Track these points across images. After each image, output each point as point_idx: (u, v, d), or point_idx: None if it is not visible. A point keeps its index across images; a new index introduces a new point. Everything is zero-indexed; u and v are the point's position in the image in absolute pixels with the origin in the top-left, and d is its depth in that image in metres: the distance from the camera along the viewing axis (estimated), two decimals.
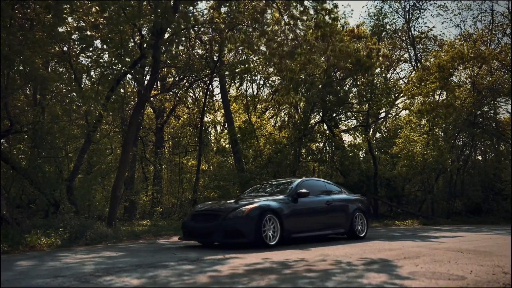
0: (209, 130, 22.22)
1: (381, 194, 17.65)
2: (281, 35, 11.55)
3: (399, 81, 22.90)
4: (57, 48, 11.50)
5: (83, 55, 12.00)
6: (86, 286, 3.53)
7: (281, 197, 7.32)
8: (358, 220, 8.32)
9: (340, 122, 19.88)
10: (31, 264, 5.02)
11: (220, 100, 19.50)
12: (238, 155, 15.81)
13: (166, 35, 11.03)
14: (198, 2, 14.55)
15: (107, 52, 10.93)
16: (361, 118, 19.38)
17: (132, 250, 6.49)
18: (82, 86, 12.43)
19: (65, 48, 11.77)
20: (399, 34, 23.06)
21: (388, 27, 22.53)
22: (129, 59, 10.34)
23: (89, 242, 7.74)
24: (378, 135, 22.34)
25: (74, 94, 11.87)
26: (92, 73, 12.34)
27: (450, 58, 16.08)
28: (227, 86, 19.26)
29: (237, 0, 11.56)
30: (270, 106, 22.07)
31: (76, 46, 11.76)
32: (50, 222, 8.68)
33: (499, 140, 19.52)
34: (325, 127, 18.51)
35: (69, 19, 10.62)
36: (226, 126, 20.01)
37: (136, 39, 11.53)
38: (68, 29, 10.63)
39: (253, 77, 19.62)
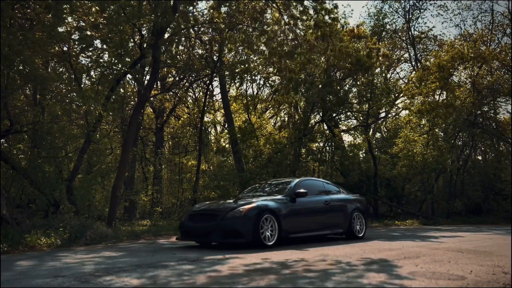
0: (209, 130, 22.23)
1: (381, 194, 17.65)
2: (281, 35, 11.55)
3: (399, 81, 22.93)
4: (57, 48, 11.50)
5: (83, 55, 12.01)
6: (86, 286, 3.53)
7: (279, 197, 7.29)
8: (356, 220, 8.29)
9: (340, 122, 19.88)
10: (31, 264, 5.02)
11: (220, 100, 19.50)
12: (238, 155, 15.81)
13: (166, 35, 11.03)
14: (198, 2, 14.55)
15: (107, 52, 10.93)
16: (361, 118, 19.37)
17: (132, 250, 6.49)
18: (82, 86, 12.43)
19: (65, 48, 11.77)
20: (399, 34, 23.06)
21: (388, 27, 22.56)
22: (129, 59, 10.34)
23: (89, 242, 7.74)
24: (378, 135, 22.35)
25: (74, 94, 11.87)
26: (92, 73, 12.35)
27: (450, 58, 16.09)
28: (227, 86, 19.26)
29: (237, 0, 11.55)
30: (270, 106, 22.07)
31: (76, 46, 11.76)
32: (50, 222, 8.68)
33: (499, 140, 19.52)
34: (325, 127, 18.51)
35: (69, 19, 10.62)
36: (226, 126, 20.01)
37: (136, 39, 11.53)
38: (68, 29, 10.62)
39: (253, 77, 19.62)
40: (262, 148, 16.42)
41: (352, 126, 20.06)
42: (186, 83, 18.34)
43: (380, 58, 16.20)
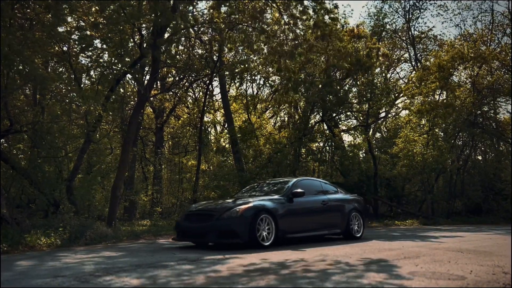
0: (209, 130, 22.22)
1: (381, 194, 17.65)
2: (281, 35, 11.55)
3: (399, 81, 22.93)
4: (56, 48, 11.50)
5: (83, 55, 12.01)
6: (86, 286, 3.53)
7: (276, 196, 7.23)
8: (354, 220, 8.25)
9: (340, 122, 19.89)
10: (31, 264, 5.01)
11: (220, 100, 19.50)
12: (238, 155, 15.80)
13: (166, 35, 11.02)
14: (198, 2, 14.55)
15: (106, 52, 10.93)
16: (361, 118, 19.37)
17: (131, 250, 6.49)
18: (81, 86, 12.43)
19: (64, 48, 11.77)
20: (399, 34, 23.07)
21: (388, 27, 22.57)
22: (128, 59, 10.34)
23: (89, 242, 7.74)
24: (378, 135, 22.35)
25: (74, 94, 11.86)
26: (92, 73, 12.35)
27: (450, 58, 16.10)
28: (227, 86, 19.26)
29: (237, 0, 11.55)
30: (270, 106, 22.07)
31: (75, 46, 11.76)
32: (50, 222, 8.68)
33: (499, 140, 19.53)
34: (325, 127, 18.51)
35: (69, 19, 10.61)
36: (226, 126, 20.01)
37: (135, 39, 11.53)
38: (68, 29, 10.62)
39: (253, 77, 19.62)
40: (262, 148, 16.42)
41: (352, 126, 20.05)
42: (186, 83, 18.34)
43: (380, 58, 16.20)
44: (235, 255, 5.47)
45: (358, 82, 17.40)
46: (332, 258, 5.11)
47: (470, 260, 4.81)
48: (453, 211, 17.66)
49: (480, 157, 21.75)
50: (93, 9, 10.25)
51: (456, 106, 16.49)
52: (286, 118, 20.13)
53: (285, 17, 11.39)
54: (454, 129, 18.22)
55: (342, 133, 18.82)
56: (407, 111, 18.15)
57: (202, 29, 13.59)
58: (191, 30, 13.21)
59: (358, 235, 8.22)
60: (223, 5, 11.81)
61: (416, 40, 22.55)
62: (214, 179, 16.04)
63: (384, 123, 22.31)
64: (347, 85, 17.98)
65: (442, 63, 15.94)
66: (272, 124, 21.69)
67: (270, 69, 16.27)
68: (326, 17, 11.11)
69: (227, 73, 16.75)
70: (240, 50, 15.37)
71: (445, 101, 16.72)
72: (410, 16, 22.72)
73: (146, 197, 16.73)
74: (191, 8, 11.58)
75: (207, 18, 12.52)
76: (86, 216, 9.83)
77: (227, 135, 18.30)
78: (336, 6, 11.12)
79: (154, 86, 15.13)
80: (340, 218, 8.05)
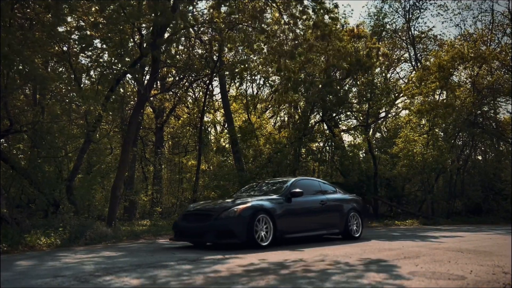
0: (209, 130, 22.22)
1: (381, 194, 17.64)
2: (281, 35, 11.55)
3: (399, 81, 22.93)
4: (56, 47, 11.50)
5: (83, 54, 12.00)
6: (86, 286, 3.53)
7: (274, 196, 7.19)
8: (353, 220, 8.21)
9: (340, 122, 19.88)
10: (31, 264, 5.01)
11: (220, 100, 19.50)
12: (238, 155, 15.80)
13: (166, 35, 11.02)
14: (198, 1, 14.54)
15: (106, 52, 10.92)
16: (361, 118, 19.37)
17: (131, 250, 6.48)
18: (81, 85, 12.43)
19: (64, 48, 11.77)
20: (399, 33, 23.07)
21: (388, 26, 22.57)
22: (128, 59, 10.34)
23: (88, 242, 7.73)
24: (378, 135, 22.34)
25: (74, 94, 11.86)
26: (91, 72, 12.34)
27: (450, 58, 16.09)
28: (227, 86, 19.26)
29: (237, 0, 11.55)
30: (270, 106, 22.07)
31: (75, 46, 11.76)
32: (50, 222, 8.68)
33: (499, 140, 19.52)
34: (325, 127, 18.51)
35: (69, 18, 10.61)
36: (226, 126, 20.01)
37: (135, 39, 11.53)
38: (68, 28, 10.62)
39: (253, 77, 19.62)
40: (262, 148, 16.41)
41: (352, 126, 20.05)
42: (186, 83, 18.33)
43: (380, 57, 16.20)
44: (235, 255, 5.47)
45: (358, 82, 17.39)
46: (332, 258, 5.11)
47: (470, 260, 4.81)
48: (453, 211, 17.65)
49: (480, 157, 21.75)
50: (93, 9, 10.25)
51: (456, 106, 16.48)
52: (286, 118, 20.13)
53: (285, 17, 11.40)
54: (454, 129, 18.21)
55: (342, 133, 18.82)
56: (407, 111, 18.15)
57: (202, 29, 13.60)
58: (191, 30, 13.20)
59: (357, 235, 8.19)
60: (223, 5, 11.81)
61: (416, 40, 22.54)
62: (214, 179, 16.04)
63: (384, 123, 22.30)
64: (347, 85, 17.98)
65: (442, 63, 15.94)
66: (272, 124, 21.69)
67: (270, 69, 16.29)
68: (326, 17, 11.12)
69: (227, 73, 16.75)
70: (240, 50, 15.37)
71: (445, 101, 16.71)
72: (410, 16, 22.74)
73: (146, 197, 16.73)
74: (191, 8, 11.58)
75: (207, 18, 12.53)
76: (86, 216, 9.83)
77: (227, 135, 18.30)
78: (336, 6, 11.13)
79: (154, 86, 15.13)
80: (339, 218, 8.02)
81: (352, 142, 18.79)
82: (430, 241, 7.40)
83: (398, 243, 6.99)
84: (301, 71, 15.13)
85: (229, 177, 15.51)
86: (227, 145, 18.43)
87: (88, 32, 10.09)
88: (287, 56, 11.44)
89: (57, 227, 8.00)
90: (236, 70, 16.06)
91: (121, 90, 12.55)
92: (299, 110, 17.89)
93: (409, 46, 22.81)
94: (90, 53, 11.46)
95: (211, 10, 12.09)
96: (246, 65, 15.45)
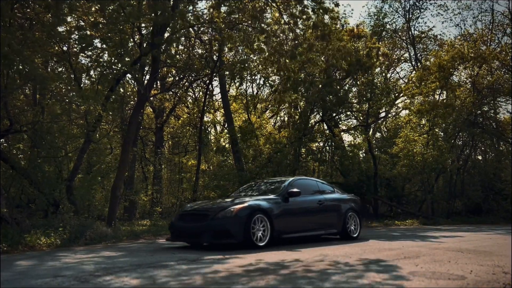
0: (209, 129, 22.22)
1: (381, 194, 17.64)
2: (281, 35, 11.55)
3: (399, 80, 22.94)
4: (56, 47, 11.49)
5: (83, 54, 12.00)
6: (86, 286, 3.53)
7: (271, 196, 7.14)
8: (351, 220, 8.17)
9: (340, 122, 19.88)
10: (31, 264, 5.01)
11: (220, 100, 19.49)
12: (238, 154, 15.80)
13: (166, 35, 11.02)
14: (198, 1, 14.55)
15: (106, 52, 10.92)
16: (361, 118, 19.37)
17: (131, 250, 6.48)
18: (81, 85, 12.42)
19: (64, 48, 11.76)
20: (399, 33, 23.07)
21: (388, 26, 22.58)
22: (128, 59, 10.33)
23: (88, 242, 7.73)
24: (378, 135, 22.35)
25: (74, 93, 11.85)
26: (91, 72, 12.33)
27: (450, 58, 16.10)
28: (227, 85, 19.25)
29: (237, 0, 11.55)
30: (270, 106, 22.06)
31: (75, 46, 11.75)
32: (50, 222, 8.68)
33: (499, 140, 19.53)
34: (325, 127, 18.51)
35: (69, 18, 10.61)
36: (226, 126, 20.00)
37: (135, 39, 11.53)
38: (68, 28, 10.62)
39: (253, 77, 19.62)
40: (262, 148, 16.41)
41: (352, 126, 20.06)
42: (186, 83, 18.32)
43: (380, 57, 16.21)
44: (235, 255, 5.47)
45: (358, 82, 17.40)
46: (332, 258, 5.11)
47: (470, 260, 4.81)
48: (453, 211, 17.65)
49: (480, 157, 21.76)
50: (93, 8, 10.25)
51: (456, 106, 16.49)
52: (286, 118, 20.13)
53: (285, 16, 11.40)
54: (454, 129, 18.21)
55: (342, 133, 18.83)
56: (407, 111, 18.15)
57: (202, 28, 13.60)
58: (191, 29, 13.20)
59: (355, 235, 8.15)
60: (223, 5, 11.81)
61: (416, 40, 22.55)
62: (214, 179, 16.03)
63: (384, 123, 22.31)
64: (347, 85, 17.99)
65: (442, 63, 15.94)
66: (272, 124, 21.69)
67: (270, 69, 16.30)
68: (326, 16, 11.11)
69: (227, 73, 16.75)
70: (240, 50, 15.36)
71: (445, 101, 16.72)
72: (410, 16, 22.74)
73: (146, 197, 16.72)
74: (190, 8, 11.58)
75: (207, 18, 12.53)
76: (86, 216, 9.83)
77: (227, 135, 18.29)
78: (337, 4, 11.12)
79: (154, 86, 15.12)
80: (337, 218, 7.97)
81: (352, 142, 18.81)
82: (430, 241, 7.39)
83: (398, 243, 6.99)
84: (301, 71, 15.12)
85: (229, 177, 15.51)
86: (227, 145, 18.42)
87: (88, 32, 10.09)
88: (287, 56, 11.43)
89: (57, 227, 8.00)
90: (236, 69, 16.06)
91: (121, 90, 12.55)
92: (299, 110, 17.89)
93: (409, 46, 22.83)
94: (90, 53, 11.46)
95: (211, 10, 12.09)
96: (246, 65, 15.45)
